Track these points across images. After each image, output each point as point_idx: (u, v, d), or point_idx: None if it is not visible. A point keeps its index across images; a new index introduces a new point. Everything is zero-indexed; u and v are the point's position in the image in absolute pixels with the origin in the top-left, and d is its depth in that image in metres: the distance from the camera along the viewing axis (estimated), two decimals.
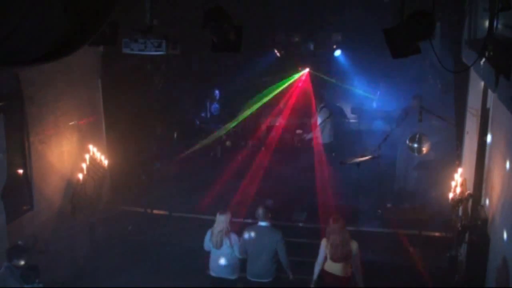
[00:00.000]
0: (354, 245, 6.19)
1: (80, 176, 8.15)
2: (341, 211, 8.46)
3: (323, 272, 6.36)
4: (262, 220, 6.40)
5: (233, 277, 6.54)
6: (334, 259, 6.16)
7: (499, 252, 5.59)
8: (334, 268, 6.22)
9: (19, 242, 6.30)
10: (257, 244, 6.36)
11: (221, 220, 6.38)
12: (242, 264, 6.61)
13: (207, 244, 6.54)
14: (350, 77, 12.35)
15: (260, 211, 6.40)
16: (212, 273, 6.60)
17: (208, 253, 6.65)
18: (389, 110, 10.88)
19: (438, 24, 7.05)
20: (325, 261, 6.34)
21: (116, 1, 2.20)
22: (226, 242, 6.37)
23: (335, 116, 10.67)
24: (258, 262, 6.37)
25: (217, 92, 12.10)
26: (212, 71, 11.98)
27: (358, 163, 8.82)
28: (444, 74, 8.62)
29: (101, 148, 8.92)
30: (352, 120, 12.34)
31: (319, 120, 10.39)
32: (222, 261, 6.46)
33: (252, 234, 6.43)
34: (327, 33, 12.10)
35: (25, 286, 5.76)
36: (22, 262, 5.81)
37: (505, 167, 5.59)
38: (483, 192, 6.80)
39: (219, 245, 6.37)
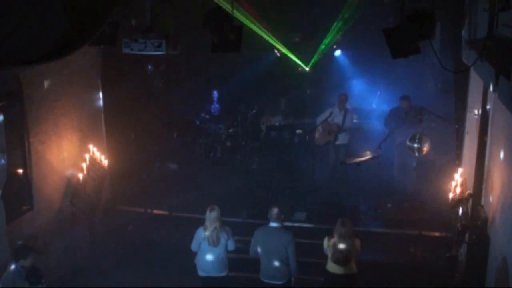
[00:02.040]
0: (356, 243, 6.18)
1: (80, 176, 8.15)
2: (341, 211, 8.51)
3: (325, 272, 6.35)
4: (274, 221, 6.37)
5: (223, 274, 6.51)
6: (335, 262, 6.15)
7: (499, 252, 5.60)
8: (337, 268, 6.22)
9: (19, 242, 6.30)
10: (268, 245, 6.33)
11: (213, 217, 6.32)
12: (231, 262, 6.61)
13: (196, 244, 6.47)
14: (350, 77, 12.35)
15: (273, 212, 6.36)
16: (202, 273, 6.56)
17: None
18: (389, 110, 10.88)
19: (438, 24, 7.05)
20: (327, 261, 6.33)
21: (116, 1, 2.21)
22: (223, 237, 6.36)
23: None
24: (270, 263, 6.33)
25: (215, 92, 12.10)
26: (212, 71, 11.97)
27: (358, 163, 8.83)
28: (444, 74, 8.62)
29: (101, 148, 8.92)
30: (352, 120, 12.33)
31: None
32: (215, 259, 6.41)
33: (263, 234, 6.40)
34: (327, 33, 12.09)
35: (31, 287, 5.76)
36: (29, 261, 5.81)
37: (505, 167, 5.59)
38: (483, 192, 6.79)
39: (216, 242, 6.34)
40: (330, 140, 10.22)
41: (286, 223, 8.31)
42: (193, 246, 6.53)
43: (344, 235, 6.09)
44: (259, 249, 6.39)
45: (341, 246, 6.09)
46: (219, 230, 6.33)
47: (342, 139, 10.18)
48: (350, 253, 6.12)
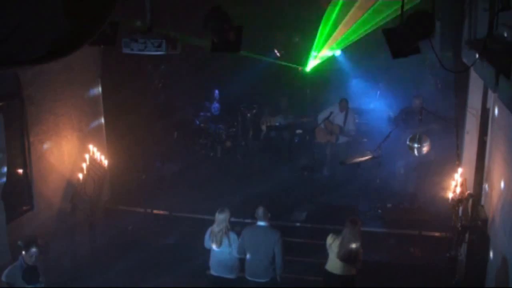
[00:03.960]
0: (360, 250, 6.21)
1: (80, 176, 8.15)
2: (341, 211, 8.51)
3: (325, 272, 6.36)
4: (261, 220, 6.40)
5: (232, 276, 6.54)
6: (340, 258, 6.17)
7: (499, 252, 5.60)
8: (336, 267, 6.23)
9: (19, 243, 6.29)
10: (255, 244, 6.37)
11: (221, 219, 6.38)
12: (242, 264, 6.61)
13: (207, 242, 6.56)
14: (350, 77, 12.35)
15: (260, 211, 6.39)
16: (213, 272, 6.62)
17: (209, 251, 6.65)
18: (389, 110, 10.89)
19: (438, 24, 7.04)
20: (327, 261, 6.34)
21: (116, 1, 2.21)
22: (225, 241, 6.37)
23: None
24: (256, 262, 6.37)
25: (217, 92, 12.11)
26: (212, 71, 11.97)
27: (358, 163, 8.83)
28: (444, 74, 8.62)
29: (101, 148, 8.92)
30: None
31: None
32: (222, 260, 6.46)
33: (251, 234, 6.43)
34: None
35: (28, 286, 5.77)
36: (34, 257, 5.82)
37: (505, 167, 5.60)
38: (483, 192, 6.80)
39: (219, 244, 6.38)
40: (330, 141, 10.27)
41: (286, 223, 8.34)
42: (205, 243, 6.62)
43: (353, 233, 6.11)
44: (246, 248, 6.41)
45: (350, 245, 6.11)
46: (223, 233, 6.35)
47: (342, 137, 10.24)
48: (357, 252, 6.14)
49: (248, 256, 6.44)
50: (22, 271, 5.80)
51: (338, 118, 10.16)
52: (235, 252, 6.44)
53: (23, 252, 5.88)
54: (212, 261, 6.57)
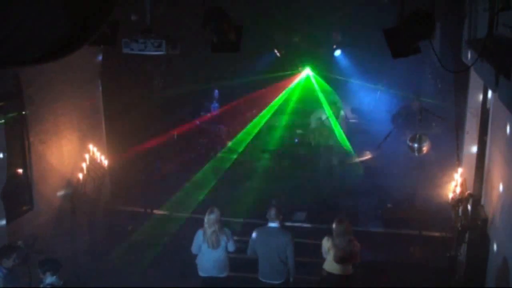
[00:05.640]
0: (357, 245, 6.18)
1: (80, 176, 8.15)
2: (340, 211, 8.51)
3: (323, 272, 6.36)
4: (273, 221, 6.36)
5: (223, 275, 6.50)
6: (336, 261, 6.16)
7: (499, 252, 5.60)
8: (334, 267, 6.22)
9: (19, 242, 6.29)
10: (267, 245, 6.32)
11: (213, 219, 6.28)
12: (231, 262, 6.61)
13: (197, 246, 6.44)
14: (350, 77, 12.36)
15: (272, 212, 6.33)
16: (202, 273, 6.55)
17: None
18: (389, 110, 10.89)
19: (438, 24, 7.04)
20: (325, 260, 6.34)
21: (116, 1, 2.21)
22: (223, 239, 6.34)
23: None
24: (268, 263, 6.33)
25: (216, 91, 12.12)
26: (212, 71, 11.98)
27: (358, 163, 8.85)
28: (444, 74, 8.62)
29: (101, 148, 8.92)
30: (352, 120, 12.34)
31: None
32: (216, 260, 6.39)
33: (262, 235, 6.38)
34: (327, 33, 12.10)
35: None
36: (11, 263, 5.75)
37: (505, 167, 5.59)
38: (483, 192, 6.80)
39: (216, 245, 6.31)
40: (320, 141, 10.26)
41: (286, 223, 8.33)
42: (193, 249, 6.49)
43: (342, 233, 6.09)
44: (257, 249, 6.38)
45: (342, 244, 6.09)
46: (218, 233, 6.30)
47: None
48: (351, 251, 6.12)
49: (260, 257, 6.41)
50: (5, 276, 5.68)
51: (330, 121, 10.18)
52: (232, 246, 6.43)
53: (4, 259, 5.75)
54: (204, 263, 6.45)
